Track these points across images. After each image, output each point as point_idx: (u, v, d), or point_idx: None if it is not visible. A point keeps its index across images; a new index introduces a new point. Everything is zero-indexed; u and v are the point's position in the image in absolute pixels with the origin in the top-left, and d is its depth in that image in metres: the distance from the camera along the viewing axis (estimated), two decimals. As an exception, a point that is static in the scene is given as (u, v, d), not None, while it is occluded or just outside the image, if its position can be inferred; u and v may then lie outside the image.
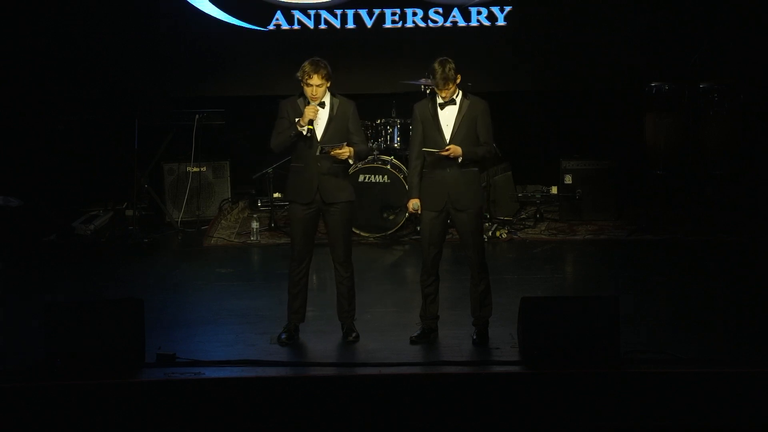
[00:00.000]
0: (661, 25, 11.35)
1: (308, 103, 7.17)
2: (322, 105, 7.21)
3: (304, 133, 7.13)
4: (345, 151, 7.14)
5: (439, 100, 7.21)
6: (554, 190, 11.65)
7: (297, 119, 7.15)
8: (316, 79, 7.12)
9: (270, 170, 10.87)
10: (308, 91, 7.16)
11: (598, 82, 11.61)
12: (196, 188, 11.08)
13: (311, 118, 7.11)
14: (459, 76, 7.17)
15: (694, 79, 10.68)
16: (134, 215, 10.79)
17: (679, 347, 6.92)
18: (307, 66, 7.17)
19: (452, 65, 7.11)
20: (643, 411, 6.36)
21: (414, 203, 7.30)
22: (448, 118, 7.21)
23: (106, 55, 11.37)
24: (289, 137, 7.19)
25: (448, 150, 7.10)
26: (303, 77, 7.16)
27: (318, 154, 7.16)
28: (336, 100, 7.27)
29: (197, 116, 10.89)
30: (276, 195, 11.34)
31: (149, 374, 6.63)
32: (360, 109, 11.08)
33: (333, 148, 7.13)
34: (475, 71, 11.03)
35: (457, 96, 7.21)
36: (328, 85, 7.21)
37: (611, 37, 11.45)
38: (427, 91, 10.50)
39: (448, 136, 7.19)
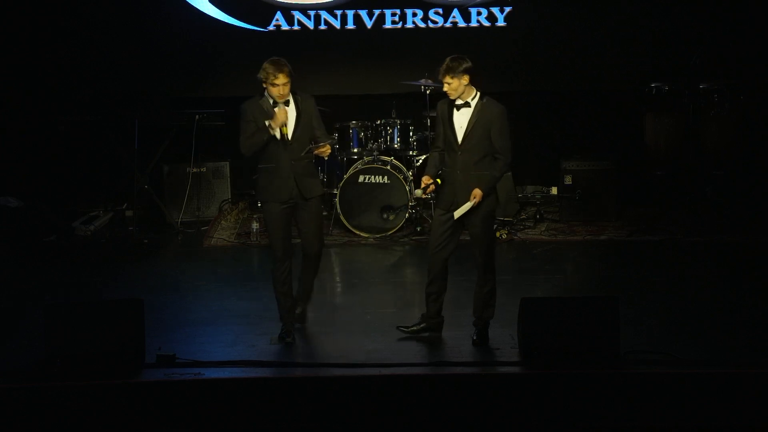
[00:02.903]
0: (661, 25, 11.35)
1: (275, 104, 7.19)
2: (286, 103, 7.23)
3: (277, 136, 7.16)
4: (327, 149, 7.25)
5: (458, 101, 7.18)
6: (554, 190, 11.66)
7: (267, 122, 7.16)
8: (281, 78, 7.12)
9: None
10: (274, 91, 7.15)
11: (598, 82, 11.61)
12: (196, 189, 11.08)
13: (284, 121, 7.16)
14: (466, 77, 7.10)
15: (694, 79, 10.69)
16: (134, 215, 10.80)
17: (679, 347, 6.92)
18: (269, 67, 7.13)
19: (459, 62, 7.07)
20: (643, 411, 6.36)
21: (425, 179, 7.28)
22: (462, 120, 7.16)
23: (106, 55, 11.38)
24: (263, 141, 7.19)
25: (473, 200, 7.05)
26: (267, 78, 7.13)
27: (303, 155, 7.22)
28: (298, 97, 7.31)
29: (197, 116, 10.89)
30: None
31: (149, 374, 6.63)
32: (360, 109, 11.20)
33: (317, 148, 7.24)
34: (475, 71, 11.04)
35: (473, 99, 7.16)
36: (291, 82, 7.19)
37: (611, 37, 11.46)
38: (427, 92, 10.52)
39: (460, 138, 7.17)
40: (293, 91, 7.27)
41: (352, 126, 10.72)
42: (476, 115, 7.14)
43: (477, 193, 7.05)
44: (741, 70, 11.01)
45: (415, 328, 7.35)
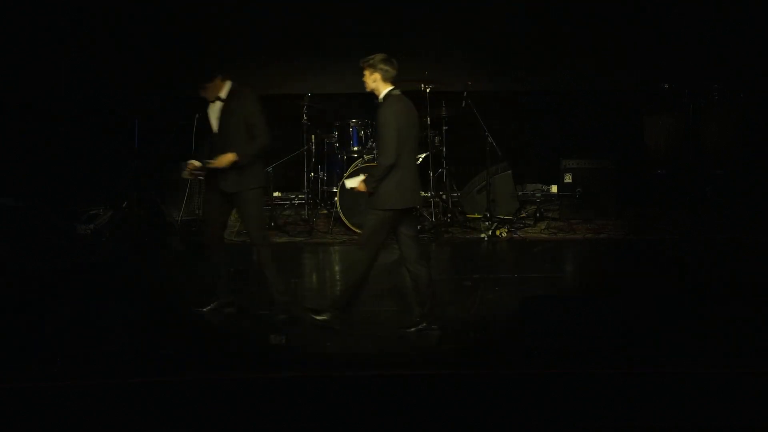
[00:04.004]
0: (662, 25, 11.36)
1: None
2: (219, 98, 7.41)
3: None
4: (219, 163, 7.41)
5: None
6: (554, 188, 11.67)
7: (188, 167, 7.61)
8: (205, 87, 7.40)
9: (270, 169, 10.88)
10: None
11: (598, 83, 11.62)
12: (195, 187, 11.09)
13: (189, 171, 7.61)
14: (377, 75, 7.28)
15: (694, 79, 10.70)
16: (134, 215, 10.80)
17: (679, 347, 6.92)
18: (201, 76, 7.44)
19: (379, 59, 7.29)
20: (643, 411, 6.36)
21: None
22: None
23: (106, 55, 11.38)
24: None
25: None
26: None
27: (204, 165, 7.50)
28: (230, 95, 7.46)
29: (197, 116, 10.90)
30: (276, 194, 11.36)
31: (150, 374, 6.64)
32: (360, 109, 11.19)
33: (209, 163, 7.45)
34: (476, 71, 11.06)
35: (382, 98, 7.30)
36: (218, 83, 7.38)
37: (612, 37, 11.46)
38: (427, 91, 10.53)
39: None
40: (232, 85, 7.43)
41: (352, 124, 10.73)
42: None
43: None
44: (741, 70, 11.02)
45: (413, 329, 7.36)
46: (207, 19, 11.54)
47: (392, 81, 7.31)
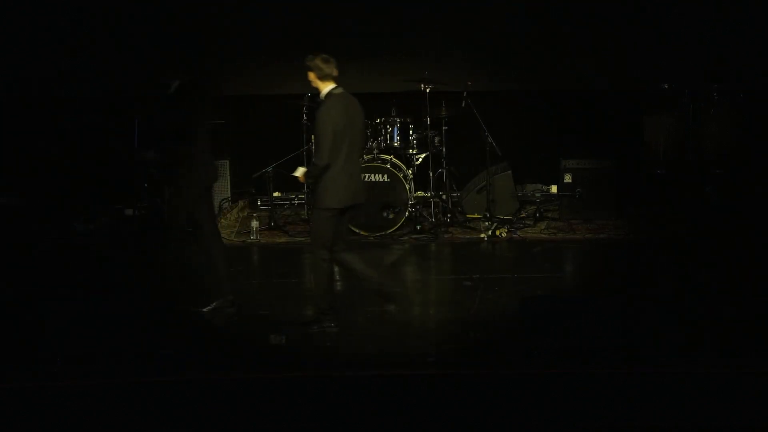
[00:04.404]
0: (662, 25, 11.35)
1: None
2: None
3: None
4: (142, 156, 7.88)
5: None
6: (554, 189, 11.67)
7: None
8: None
9: (270, 169, 10.88)
10: None
11: (598, 82, 11.61)
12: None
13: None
14: (311, 74, 7.36)
15: (694, 79, 10.69)
16: (134, 215, 10.80)
17: (679, 347, 6.92)
18: None
19: (313, 59, 7.37)
20: (643, 411, 6.36)
21: None
22: None
23: (106, 54, 11.37)
24: None
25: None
26: None
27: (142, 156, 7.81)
28: (180, 91, 7.83)
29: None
30: (276, 194, 11.35)
31: (150, 374, 6.64)
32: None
33: (142, 155, 7.95)
34: (476, 71, 11.05)
35: (323, 96, 7.40)
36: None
37: (612, 37, 11.45)
38: (427, 91, 10.54)
39: None
40: (180, 87, 7.72)
41: (351, 125, 10.72)
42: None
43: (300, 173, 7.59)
44: (741, 70, 11.01)
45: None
46: (207, 19, 11.53)
47: (333, 80, 7.34)
